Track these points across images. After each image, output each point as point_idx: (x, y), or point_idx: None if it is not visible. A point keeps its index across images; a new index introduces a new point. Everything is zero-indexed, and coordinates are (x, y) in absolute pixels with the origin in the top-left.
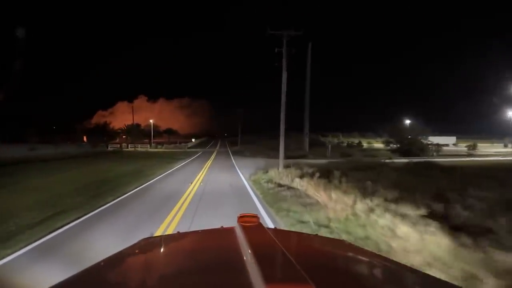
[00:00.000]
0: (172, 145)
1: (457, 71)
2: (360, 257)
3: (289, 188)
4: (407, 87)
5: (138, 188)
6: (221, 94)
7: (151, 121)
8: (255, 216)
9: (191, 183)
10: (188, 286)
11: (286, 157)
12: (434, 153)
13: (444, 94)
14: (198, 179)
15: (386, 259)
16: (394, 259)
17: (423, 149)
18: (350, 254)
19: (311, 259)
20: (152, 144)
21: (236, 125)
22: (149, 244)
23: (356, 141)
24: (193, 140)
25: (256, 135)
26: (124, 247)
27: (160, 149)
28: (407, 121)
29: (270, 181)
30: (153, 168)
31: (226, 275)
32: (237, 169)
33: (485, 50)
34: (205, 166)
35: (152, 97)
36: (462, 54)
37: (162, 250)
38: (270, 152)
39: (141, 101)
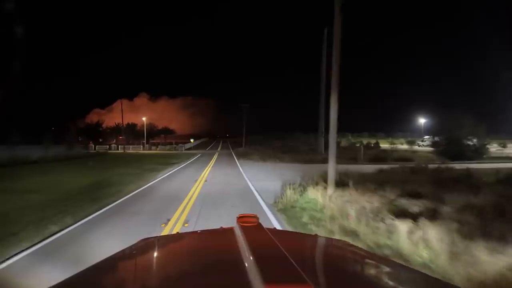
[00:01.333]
0: (167, 146)
1: (459, 69)
2: (359, 257)
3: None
4: (407, 87)
5: (42, 244)
6: (222, 94)
7: (143, 119)
8: (255, 216)
9: (169, 221)
10: (187, 287)
11: (304, 161)
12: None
13: (450, 93)
14: (185, 209)
15: (385, 259)
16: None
17: (478, 151)
18: (350, 254)
19: (310, 260)
20: (146, 145)
21: (237, 126)
22: (148, 244)
23: (372, 141)
24: (191, 140)
25: (260, 135)
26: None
27: (153, 151)
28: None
29: (322, 217)
30: (124, 181)
31: (225, 275)
32: (249, 183)
33: (486, 49)
34: (201, 177)
35: (154, 95)
36: (462, 51)
37: (161, 250)
38: (283, 155)
39: (142, 99)
